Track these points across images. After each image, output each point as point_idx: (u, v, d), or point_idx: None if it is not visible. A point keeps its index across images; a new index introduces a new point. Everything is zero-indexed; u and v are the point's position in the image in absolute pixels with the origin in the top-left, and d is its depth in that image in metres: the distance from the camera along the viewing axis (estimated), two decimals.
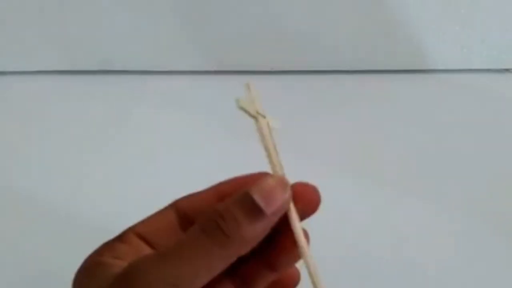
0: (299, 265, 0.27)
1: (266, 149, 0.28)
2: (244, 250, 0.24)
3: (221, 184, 0.29)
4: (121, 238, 0.27)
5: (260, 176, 0.26)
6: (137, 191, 0.50)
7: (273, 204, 0.24)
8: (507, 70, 0.61)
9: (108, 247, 0.27)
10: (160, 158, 0.53)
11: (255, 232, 0.24)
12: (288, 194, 0.25)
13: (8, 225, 0.48)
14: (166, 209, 0.29)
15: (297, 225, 0.26)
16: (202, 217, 0.24)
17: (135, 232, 0.27)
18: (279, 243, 0.26)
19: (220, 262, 0.24)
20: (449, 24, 0.58)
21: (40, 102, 0.60)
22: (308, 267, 0.25)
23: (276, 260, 0.27)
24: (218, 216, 0.24)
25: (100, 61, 0.62)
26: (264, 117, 0.28)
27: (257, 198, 0.24)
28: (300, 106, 0.58)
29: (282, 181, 0.26)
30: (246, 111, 0.28)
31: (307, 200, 0.27)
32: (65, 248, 0.45)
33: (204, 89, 0.61)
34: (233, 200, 0.24)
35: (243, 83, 0.29)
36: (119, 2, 0.59)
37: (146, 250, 0.27)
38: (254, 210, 0.24)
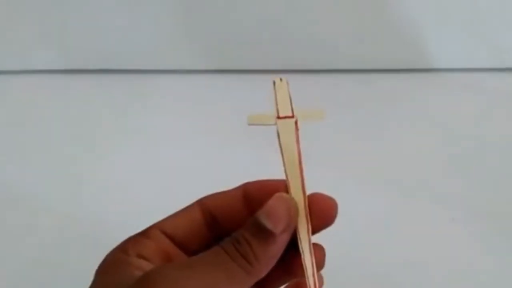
0: None
1: (283, 155, 0.27)
2: (265, 270, 0.25)
3: (247, 185, 0.29)
4: (146, 233, 0.28)
5: (280, 184, 0.27)
6: (137, 191, 0.50)
7: (280, 223, 0.25)
8: (509, 69, 0.61)
9: (133, 242, 0.27)
10: (160, 158, 0.53)
11: (270, 252, 0.25)
12: (293, 211, 0.26)
13: (7, 225, 0.48)
14: (191, 206, 0.29)
15: (304, 244, 0.26)
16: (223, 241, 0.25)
17: (160, 229, 0.28)
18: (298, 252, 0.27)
19: (242, 283, 0.24)
20: (451, 23, 0.58)
21: (40, 102, 0.60)
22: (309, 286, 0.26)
23: (297, 269, 0.27)
24: (235, 241, 0.25)
25: (99, 61, 0.62)
26: (291, 116, 0.27)
27: (264, 220, 0.25)
28: (300, 106, 0.57)
29: (286, 200, 0.26)
30: (258, 124, 0.28)
31: (322, 212, 0.27)
32: (64, 248, 0.45)
33: (204, 89, 0.60)
34: (245, 226, 0.25)
35: (273, 79, 0.28)
36: (119, 2, 0.58)
37: (170, 248, 0.27)
38: (264, 233, 0.25)
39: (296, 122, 0.27)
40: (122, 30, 0.60)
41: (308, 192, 0.27)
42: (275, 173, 0.53)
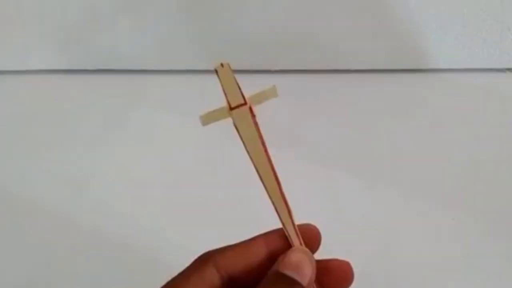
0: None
1: (245, 146, 0.25)
2: None
3: (268, 239, 0.29)
4: None
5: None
6: (137, 191, 0.50)
7: (307, 276, 0.26)
8: (508, 69, 0.61)
9: None
10: (160, 158, 0.53)
11: None
12: (314, 264, 0.27)
13: (7, 225, 0.48)
14: (205, 266, 0.27)
15: (289, 228, 0.27)
16: None
17: None
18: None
19: None
20: (451, 23, 0.58)
21: (40, 102, 0.60)
22: None
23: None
24: None
25: (99, 61, 0.62)
26: (244, 104, 0.25)
27: (292, 274, 0.26)
28: (300, 106, 0.58)
29: (308, 253, 0.28)
30: (213, 122, 0.26)
31: (341, 278, 0.28)
32: (63, 248, 0.45)
33: (204, 89, 0.60)
34: (269, 281, 0.26)
35: (214, 67, 0.26)
36: (119, 2, 0.58)
37: None
38: (294, 285, 0.26)
39: (250, 109, 0.25)
40: (122, 30, 0.60)
41: (304, 221, 0.28)
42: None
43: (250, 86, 0.67)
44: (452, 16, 0.58)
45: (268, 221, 0.46)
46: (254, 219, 0.46)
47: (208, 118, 0.25)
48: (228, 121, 0.25)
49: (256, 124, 0.25)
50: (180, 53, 0.61)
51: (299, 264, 0.26)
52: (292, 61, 0.61)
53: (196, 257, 0.28)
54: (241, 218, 0.46)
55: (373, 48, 0.60)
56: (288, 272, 0.26)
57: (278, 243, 0.28)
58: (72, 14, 0.59)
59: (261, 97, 0.25)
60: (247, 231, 0.44)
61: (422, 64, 0.61)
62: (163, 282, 0.28)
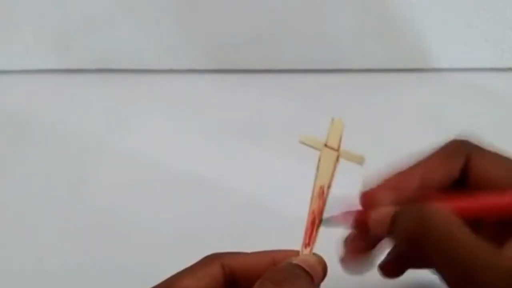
0: None
1: (316, 177, 0.30)
2: None
3: (276, 252, 0.30)
4: None
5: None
6: (137, 191, 0.50)
7: (319, 277, 0.27)
8: (509, 69, 0.60)
9: None
10: (160, 158, 0.53)
11: None
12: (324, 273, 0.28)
13: (7, 225, 0.48)
14: (212, 262, 0.29)
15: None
16: None
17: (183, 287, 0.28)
18: None
19: None
20: (453, 23, 0.58)
21: (40, 102, 0.60)
22: None
23: None
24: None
25: (99, 61, 0.62)
26: (336, 150, 0.31)
27: (307, 269, 0.27)
28: (300, 106, 0.57)
29: (322, 260, 0.29)
30: (307, 145, 0.31)
31: None
32: (63, 249, 0.45)
33: (204, 89, 0.60)
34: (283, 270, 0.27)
35: (331, 118, 0.32)
36: (119, 2, 0.58)
37: None
38: (309, 279, 0.27)
39: (338, 156, 0.31)
40: (122, 30, 0.60)
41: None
42: (274, 172, 0.53)
43: (250, 85, 0.67)
44: (454, 16, 0.58)
45: (268, 221, 0.46)
46: (255, 219, 0.46)
47: (306, 140, 0.31)
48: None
49: (335, 168, 0.31)
50: (180, 53, 0.61)
51: (315, 263, 0.27)
52: (292, 61, 0.61)
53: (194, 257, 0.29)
54: (241, 218, 0.46)
55: (374, 48, 0.60)
56: (306, 267, 0.26)
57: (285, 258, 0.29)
58: (72, 14, 0.59)
59: (349, 156, 0.32)
60: (250, 235, 0.44)
61: (424, 64, 0.61)
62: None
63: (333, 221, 0.31)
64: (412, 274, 0.39)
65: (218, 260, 0.29)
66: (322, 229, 0.30)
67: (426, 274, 0.32)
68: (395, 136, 0.54)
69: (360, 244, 0.31)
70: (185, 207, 0.48)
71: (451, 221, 0.26)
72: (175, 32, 0.60)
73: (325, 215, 0.30)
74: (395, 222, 0.28)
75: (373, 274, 0.37)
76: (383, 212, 0.29)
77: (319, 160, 0.31)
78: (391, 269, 0.34)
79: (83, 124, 0.57)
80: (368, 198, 0.31)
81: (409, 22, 0.58)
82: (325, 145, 0.31)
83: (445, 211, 0.26)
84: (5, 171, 0.53)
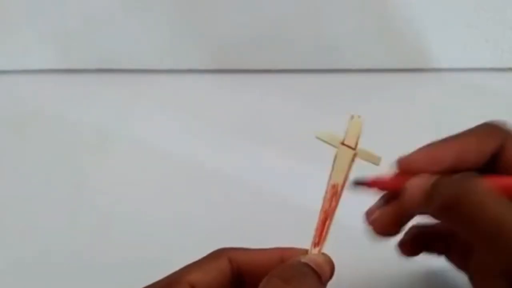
0: None
1: (331, 175, 0.29)
2: None
3: (285, 250, 0.30)
4: (176, 286, 0.28)
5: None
6: (137, 191, 0.50)
7: (327, 276, 0.27)
8: (509, 69, 0.60)
9: None
10: (159, 158, 0.53)
11: None
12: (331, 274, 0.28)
13: (7, 225, 0.48)
14: (220, 257, 0.29)
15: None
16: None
17: (190, 282, 0.28)
18: None
19: None
20: (453, 23, 0.58)
21: (40, 102, 0.60)
22: None
23: None
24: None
25: (99, 61, 0.62)
26: (353, 148, 0.30)
27: (315, 267, 0.27)
28: (300, 106, 0.57)
29: (330, 259, 0.29)
30: (323, 141, 0.30)
31: None
32: (63, 250, 0.45)
33: (204, 89, 0.60)
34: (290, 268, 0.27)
35: (349, 114, 0.31)
36: (119, 2, 0.58)
37: None
38: (317, 277, 0.27)
39: (354, 155, 0.30)
40: (122, 30, 0.60)
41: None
42: (274, 172, 0.53)
43: (251, 85, 0.67)
44: (454, 16, 0.58)
45: (269, 221, 0.46)
46: (255, 219, 0.46)
47: (322, 135, 0.30)
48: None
49: (350, 167, 0.30)
50: (180, 53, 0.61)
51: (324, 263, 0.27)
52: (292, 61, 0.61)
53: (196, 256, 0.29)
54: (243, 219, 0.46)
55: (373, 48, 0.60)
56: (314, 266, 0.26)
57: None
58: (72, 14, 0.59)
59: (367, 155, 0.30)
60: (250, 234, 0.44)
61: (424, 64, 0.61)
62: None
63: (363, 183, 0.30)
64: (416, 274, 0.39)
65: (225, 254, 0.29)
66: (332, 228, 0.30)
67: (428, 275, 0.32)
68: (395, 136, 0.54)
69: (386, 219, 0.31)
70: (185, 207, 0.48)
71: (493, 194, 0.25)
72: (175, 32, 0.60)
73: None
74: (436, 189, 0.28)
75: (377, 274, 0.37)
76: (423, 179, 0.28)
77: (335, 158, 0.30)
78: (409, 248, 0.34)
79: (83, 124, 0.57)
80: (407, 164, 0.30)
81: (409, 22, 0.58)
82: (342, 143, 0.30)
83: (488, 185, 0.26)
84: (5, 171, 0.53)
